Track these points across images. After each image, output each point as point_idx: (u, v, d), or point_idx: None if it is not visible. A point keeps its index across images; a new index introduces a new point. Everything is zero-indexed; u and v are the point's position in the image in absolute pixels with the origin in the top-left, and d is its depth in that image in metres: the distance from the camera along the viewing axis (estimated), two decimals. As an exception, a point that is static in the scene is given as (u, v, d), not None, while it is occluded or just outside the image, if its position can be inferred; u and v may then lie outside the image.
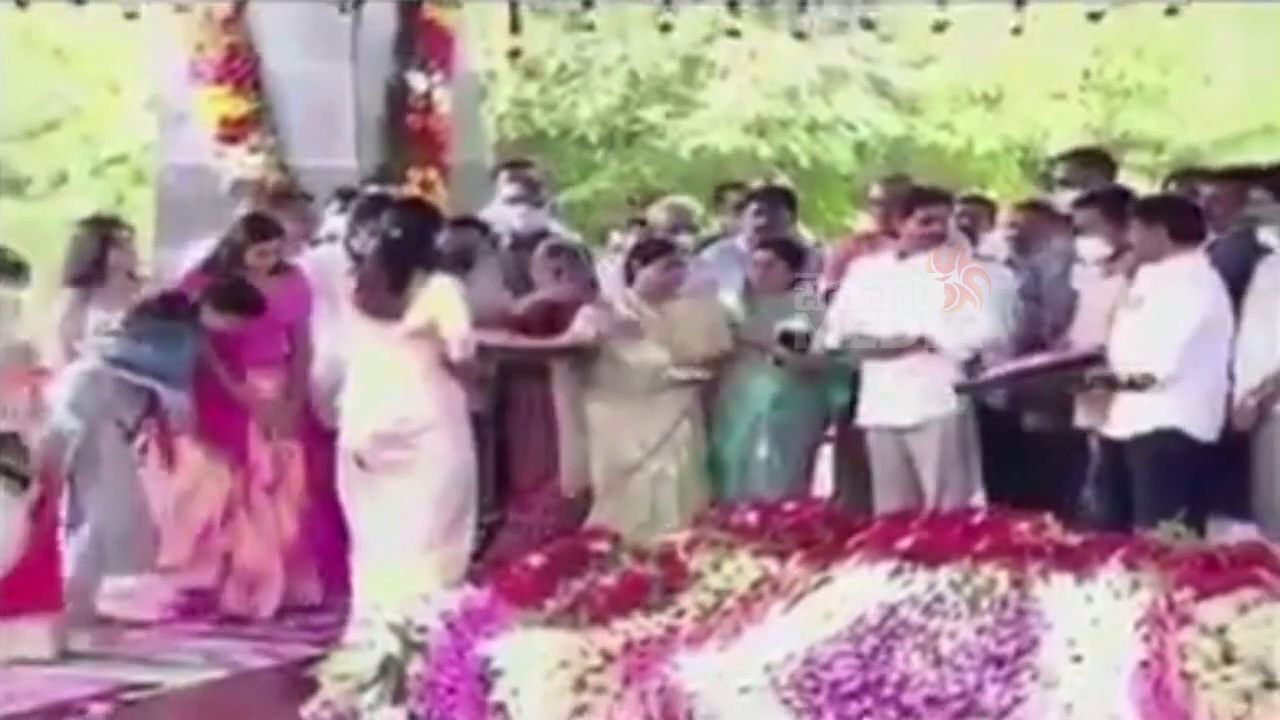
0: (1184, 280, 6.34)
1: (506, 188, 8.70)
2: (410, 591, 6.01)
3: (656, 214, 8.68)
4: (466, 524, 6.81)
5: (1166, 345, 6.30)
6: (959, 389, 6.88)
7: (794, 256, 7.64)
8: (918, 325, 6.90)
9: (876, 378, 7.04)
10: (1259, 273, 6.56)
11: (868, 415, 7.12)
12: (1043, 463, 6.97)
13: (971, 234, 7.97)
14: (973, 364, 7.09)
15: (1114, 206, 6.83)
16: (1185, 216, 6.57)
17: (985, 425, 7.16)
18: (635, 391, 7.40)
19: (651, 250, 7.71)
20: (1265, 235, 6.74)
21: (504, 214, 8.54)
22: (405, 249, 6.76)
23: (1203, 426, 6.37)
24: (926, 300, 6.90)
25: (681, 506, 7.19)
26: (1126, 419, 6.43)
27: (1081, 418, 6.67)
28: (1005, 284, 7.29)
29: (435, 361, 6.70)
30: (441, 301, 6.70)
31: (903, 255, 7.06)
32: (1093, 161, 7.86)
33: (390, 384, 6.68)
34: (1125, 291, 6.51)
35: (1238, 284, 6.50)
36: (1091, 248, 6.92)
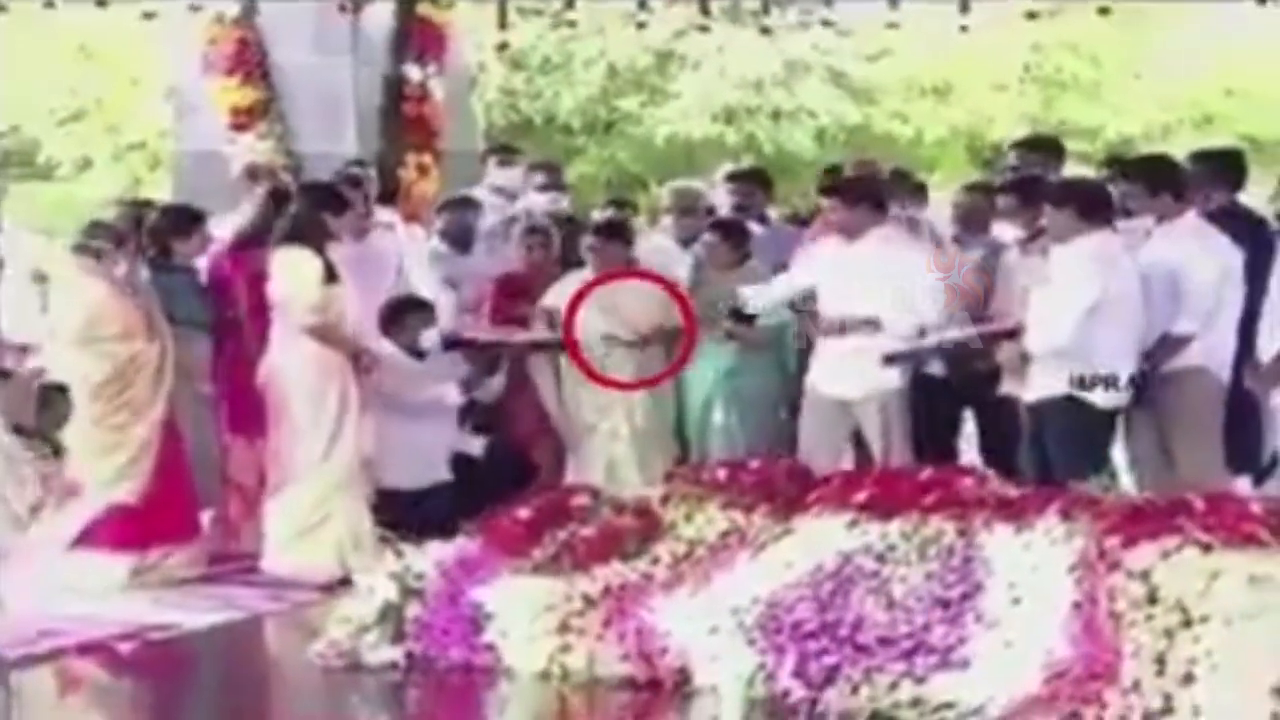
0: (1089, 258, 6.27)
1: (534, 175, 8.77)
2: None
3: (663, 196, 8.62)
4: (316, 469, 6.85)
5: (1067, 318, 6.23)
6: (889, 359, 6.78)
7: (738, 237, 7.57)
8: (866, 306, 6.84)
9: (826, 352, 7.00)
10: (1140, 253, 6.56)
11: (819, 386, 7.06)
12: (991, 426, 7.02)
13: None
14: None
15: (1028, 193, 6.83)
16: (1093, 199, 6.50)
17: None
18: (590, 359, 7.41)
19: (609, 230, 7.73)
20: (1139, 223, 6.76)
21: (531, 200, 8.60)
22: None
23: (1106, 394, 6.30)
24: (875, 282, 6.83)
25: (638, 463, 7.21)
26: (1036, 386, 6.41)
27: (1005, 385, 6.66)
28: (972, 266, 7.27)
29: (289, 325, 6.86)
30: (281, 273, 6.87)
31: (850, 238, 6.99)
32: (1042, 148, 7.81)
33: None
34: (1040, 271, 6.47)
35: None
36: (1006, 231, 6.90)
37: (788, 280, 7.20)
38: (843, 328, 6.82)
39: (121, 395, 6.63)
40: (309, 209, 6.99)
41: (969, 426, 7.49)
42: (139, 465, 6.65)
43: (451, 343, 7.65)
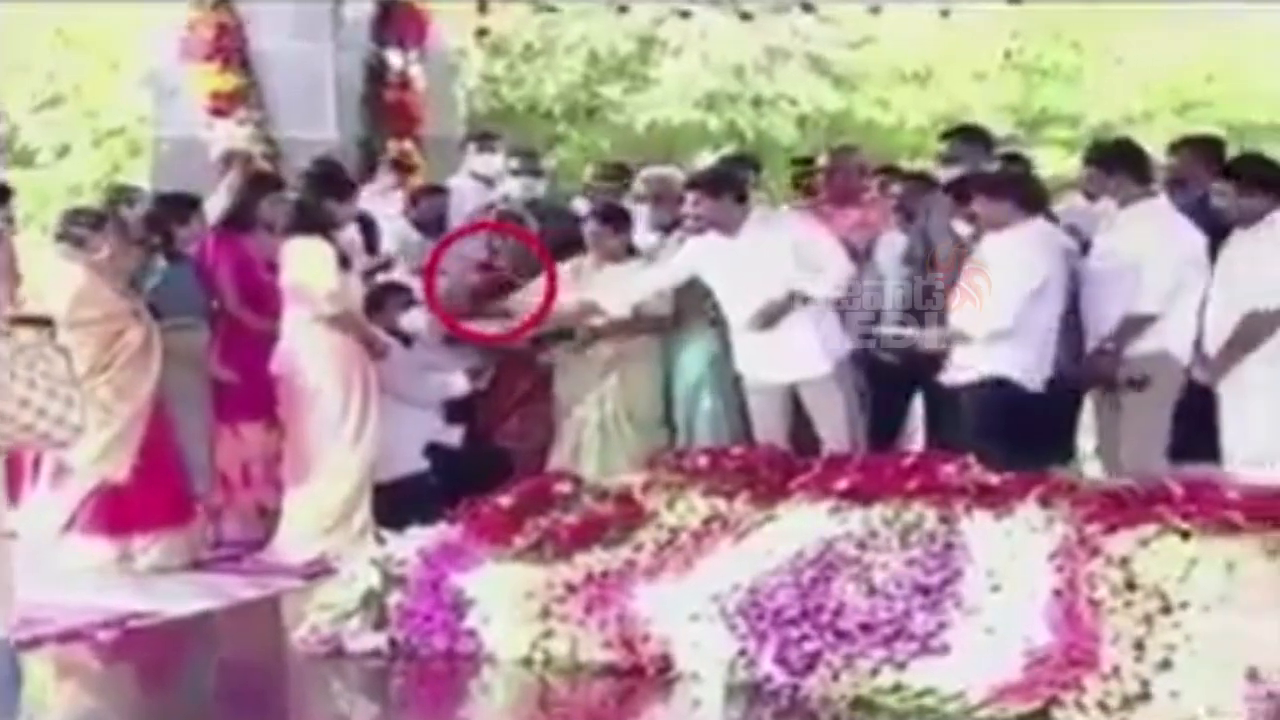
0: (1028, 244, 6.43)
1: (511, 160, 8.77)
2: None
3: (639, 185, 8.58)
4: (336, 465, 6.88)
5: (1009, 301, 6.36)
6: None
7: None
8: (782, 286, 6.86)
9: (752, 341, 6.95)
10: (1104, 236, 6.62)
11: (756, 374, 7.01)
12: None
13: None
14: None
15: (961, 194, 6.88)
16: (1028, 189, 6.70)
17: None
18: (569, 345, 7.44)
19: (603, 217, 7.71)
20: (1101, 206, 6.83)
21: (507, 185, 8.62)
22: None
23: (1032, 377, 6.44)
24: (777, 263, 6.83)
25: (602, 449, 7.23)
26: (962, 369, 6.50)
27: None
28: (895, 248, 7.38)
29: (304, 315, 6.84)
30: (297, 262, 6.86)
31: (728, 233, 6.93)
32: (971, 139, 7.88)
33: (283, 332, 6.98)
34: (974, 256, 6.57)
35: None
36: (959, 228, 6.98)
37: (669, 273, 7.21)
38: (775, 316, 6.82)
39: (105, 374, 6.66)
40: (316, 196, 6.99)
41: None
42: (125, 444, 6.68)
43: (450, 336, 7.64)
